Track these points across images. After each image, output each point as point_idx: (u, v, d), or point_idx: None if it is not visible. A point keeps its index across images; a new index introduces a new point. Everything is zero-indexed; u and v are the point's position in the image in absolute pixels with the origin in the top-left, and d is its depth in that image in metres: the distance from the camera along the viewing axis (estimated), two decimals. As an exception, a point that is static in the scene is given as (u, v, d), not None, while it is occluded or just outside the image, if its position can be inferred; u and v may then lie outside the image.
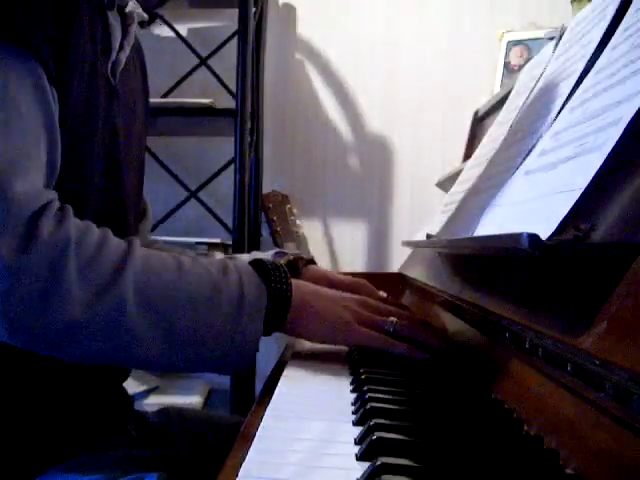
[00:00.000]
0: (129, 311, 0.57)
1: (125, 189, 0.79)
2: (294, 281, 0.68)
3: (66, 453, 0.69)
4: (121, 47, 0.74)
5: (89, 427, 0.73)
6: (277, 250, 0.94)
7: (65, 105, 0.64)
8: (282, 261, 0.89)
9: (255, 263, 0.67)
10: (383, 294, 0.90)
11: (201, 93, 1.90)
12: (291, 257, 0.91)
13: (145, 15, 0.78)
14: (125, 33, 0.75)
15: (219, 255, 0.99)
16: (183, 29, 2.03)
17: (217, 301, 0.60)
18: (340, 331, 0.69)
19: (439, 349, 0.70)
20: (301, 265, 0.90)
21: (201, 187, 1.99)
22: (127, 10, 0.75)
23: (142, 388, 1.66)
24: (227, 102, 1.81)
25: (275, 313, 0.65)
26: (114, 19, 0.72)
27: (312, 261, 0.93)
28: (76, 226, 0.58)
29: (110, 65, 0.73)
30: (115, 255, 0.58)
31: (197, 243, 1.71)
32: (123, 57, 0.75)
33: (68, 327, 0.55)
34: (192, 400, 1.70)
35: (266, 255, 0.93)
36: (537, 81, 0.85)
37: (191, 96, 1.87)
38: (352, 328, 0.69)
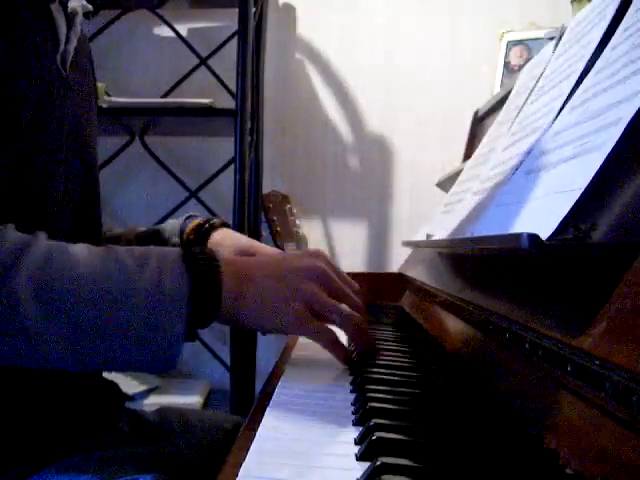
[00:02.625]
0: (25, 310, 0.53)
1: (92, 181, 0.77)
2: (229, 260, 0.62)
3: (54, 452, 0.68)
4: (68, 39, 0.74)
5: (77, 423, 0.72)
6: (188, 214, 0.94)
7: (19, 101, 0.63)
8: (190, 224, 0.90)
9: (184, 248, 0.62)
10: None
11: (201, 93, 1.90)
12: (200, 220, 0.90)
13: (89, 6, 0.77)
14: (70, 25, 0.74)
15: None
16: (183, 29, 2.03)
17: (129, 294, 0.56)
18: (291, 323, 0.62)
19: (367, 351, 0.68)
20: (212, 228, 0.89)
21: (201, 187, 1.99)
22: (69, 3, 0.74)
23: (142, 388, 1.66)
24: (227, 102, 1.81)
25: (204, 302, 0.58)
26: (57, 12, 0.72)
27: (226, 224, 0.92)
28: None
29: (59, 57, 0.72)
30: (6, 252, 0.55)
31: (197, 243, 1.71)
32: (71, 48, 0.74)
33: None
34: (192, 400, 1.70)
35: (176, 221, 0.93)
36: (537, 81, 0.85)
37: (191, 96, 1.87)
38: (304, 322, 0.62)
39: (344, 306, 0.67)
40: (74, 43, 0.75)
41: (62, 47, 0.73)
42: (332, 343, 0.66)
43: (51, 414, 0.70)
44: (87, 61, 0.85)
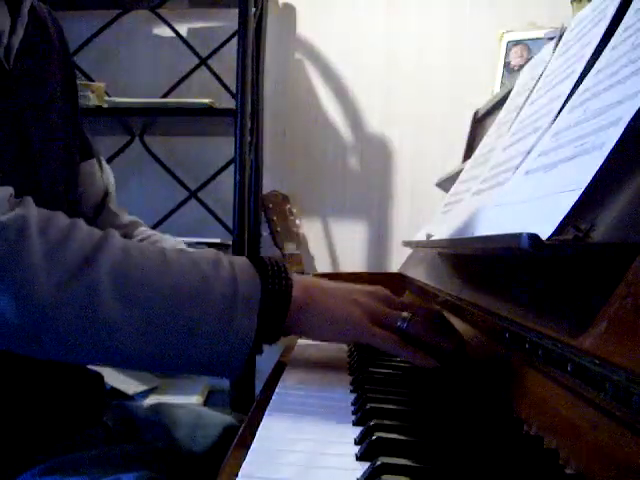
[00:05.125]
0: (104, 299, 0.53)
1: (41, 178, 0.72)
2: (296, 277, 0.63)
3: (37, 450, 0.66)
4: (14, 30, 0.70)
5: (57, 416, 0.71)
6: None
7: None
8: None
9: (253, 258, 0.63)
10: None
11: (201, 93, 1.90)
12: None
13: None
14: (17, 15, 0.71)
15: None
16: (183, 29, 2.03)
17: (206, 295, 0.56)
18: (351, 331, 0.63)
19: (448, 351, 0.65)
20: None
21: (201, 187, 1.99)
22: None
23: (142, 388, 1.66)
24: (227, 102, 1.81)
25: (273, 312, 0.59)
26: None
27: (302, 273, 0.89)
28: (39, 212, 0.56)
29: (2, 50, 0.69)
30: (87, 241, 0.55)
31: (197, 243, 1.71)
32: (16, 40, 0.71)
33: (38, 316, 0.52)
34: (192, 400, 1.69)
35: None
36: (537, 81, 0.85)
37: (191, 96, 1.87)
38: (364, 327, 0.63)
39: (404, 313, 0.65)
40: (20, 35, 0.71)
41: (5, 40, 0.69)
42: (400, 348, 0.63)
43: (30, 408, 0.68)
44: (47, 46, 0.79)
